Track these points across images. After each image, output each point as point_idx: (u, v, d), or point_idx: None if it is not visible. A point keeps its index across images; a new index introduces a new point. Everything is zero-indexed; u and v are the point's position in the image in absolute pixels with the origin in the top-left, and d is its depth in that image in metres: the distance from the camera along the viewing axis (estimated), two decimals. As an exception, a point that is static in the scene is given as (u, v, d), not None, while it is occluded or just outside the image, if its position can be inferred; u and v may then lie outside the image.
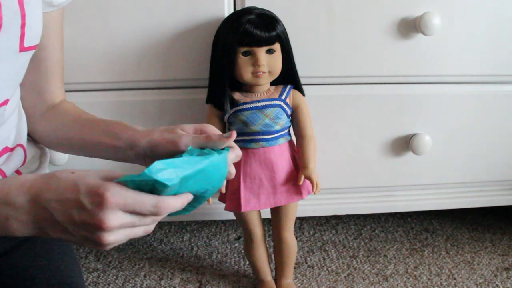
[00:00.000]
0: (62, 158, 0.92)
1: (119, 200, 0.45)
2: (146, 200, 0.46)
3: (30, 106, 0.72)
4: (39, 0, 0.62)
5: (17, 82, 0.64)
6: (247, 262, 1.06)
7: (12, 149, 0.67)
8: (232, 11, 0.89)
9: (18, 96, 0.68)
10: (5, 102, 0.61)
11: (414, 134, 0.98)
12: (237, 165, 0.88)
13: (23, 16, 0.57)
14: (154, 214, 0.47)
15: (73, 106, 0.75)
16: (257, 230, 0.94)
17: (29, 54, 0.62)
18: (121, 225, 0.46)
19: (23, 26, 0.58)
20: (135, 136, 0.63)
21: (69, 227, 0.47)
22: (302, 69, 0.90)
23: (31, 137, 0.74)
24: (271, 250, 1.05)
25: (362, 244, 1.15)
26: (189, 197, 0.50)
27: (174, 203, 0.48)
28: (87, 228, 0.46)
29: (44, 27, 0.65)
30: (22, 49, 0.59)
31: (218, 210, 1.01)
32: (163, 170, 0.46)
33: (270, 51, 0.83)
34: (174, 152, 0.58)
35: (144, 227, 0.49)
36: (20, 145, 0.68)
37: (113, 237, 0.46)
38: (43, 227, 0.48)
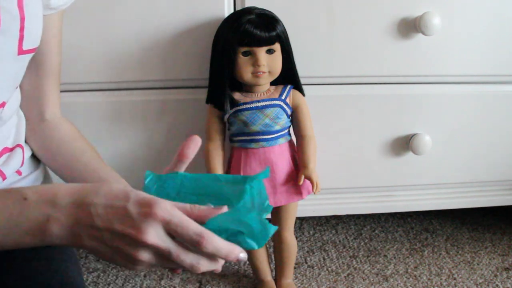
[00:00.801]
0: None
1: (165, 216, 0.44)
2: (191, 225, 0.45)
3: (26, 111, 0.72)
4: (39, 2, 0.62)
5: (14, 85, 0.64)
6: (247, 262, 1.06)
7: (11, 149, 0.67)
8: (232, 11, 0.89)
9: (18, 98, 0.68)
10: (2, 104, 0.61)
11: (414, 134, 0.98)
12: (237, 165, 0.88)
13: (22, 19, 0.57)
14: (195, 243, 0.45)
15: (71, 135, 0.74)
16: (257, 230, 0.94)
17: (28, 57, 0.62)
18: (157, 243, 0.44)
19: (22, 29, 0.58)
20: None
21: (105, 235, 0.45)
22: (302, 69, 0.90)
23: None
24: (271, 250, 1.05)
25: (362, 244, 1.15)
26: (237, 252, 0.47)
27: (220, 243, 0.46)
28: (124, 238, 0.44)
29: (42, 31, 0.65)
30: (21, 52, 0.59)
31: (218, 210, 1.01)
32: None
33: (270, 51, 0.83)
34: None
35: (176, 264, 0.46)
36: (19, 145, 0.68)
37: (146, 256, 0.45)
38: (79, 233, 0.46)
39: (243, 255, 0.47)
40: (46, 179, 0.76)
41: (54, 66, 0.72)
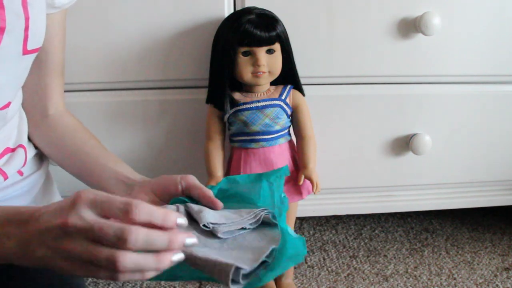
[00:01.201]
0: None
1: (89, 196, 0.43)
2: (117, 198, 0.43)
3: (30, 109, 0.72)
4: (43, 2, 0.62)
5: (19, 85, 0.64)
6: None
7: (13, 150, 0.67)
8: (232, 11, 0.89)
9: (20, 98, 0.68)
10: (8, 104, 0.61)
11: (414, 134, 0.98)
12: (237, 165, 0.88)
13: (26, 19, 0.57)
14: (124, 213, 0.42)
15: (73, 126, 0.74)
16: (257, 230, 0.94)
17: (32, 57, 0.62)
18: (78, 223, 0.42)
19: (26, 29, 0.58)
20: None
21: (46, 235, 0.44)
22: (302, 69, 0.90)
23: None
24: (271, 250, 1.05)
25: (362, 244, 1.15)
26: (174, 217, 0.44)
27: (152, 207, 0.43)
28: (55, 232, 0.43)
29: (46, 29, 0.65)
30: (26, 52, 0.59)
31: (218, 210, 1.01)
32: None
33: (270, 51, 0.83)
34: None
35: (103, 235, 0.42)
36: (21, 145, 0.69)
37: (74, 244, 0.42)
38: (29, 245, 0.45)
39: (181, 220, 0.45)
40: (47, 179, 0.76)
41: (58, 64, 0.72)
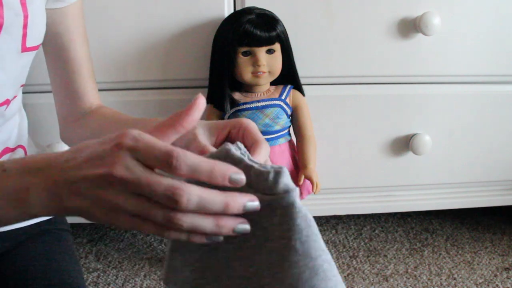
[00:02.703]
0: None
1: (131, 143, 0.38)
2: (157, 145, 0.38)
3: (66, 111, 0.70)
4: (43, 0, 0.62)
5: (18, 83, 0.64)
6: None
7: (13, 150, 0.67)
8: (232, 11, 0.89)
9: (20, 97, 0.68)
10: (6, 101, 0.61)
11: (414, 134, 0.98)
12: (237, 165, 0.88)
13: (25, 16, 0.57)
14: (165, 165, 0.37)
15: (111, 110, 0.70)
16: (257, 230, 0.94)
17: (31, 55, 0.62)
18: (125, 175, 0.38)
19: (25, 26, 0.58)
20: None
21: (82, 185, 0.39)
22: (302, 69, 0.90)
23: (64, 142, 0.73)
24: (271, 250, 1.05)
25: (362, 244, 1.15)
26: (229, 171, 0.38)
27: (198, 158, 0.38)
28: (97, 181, 0.38)
29: (60, 25, 0.64)
30: (24, 49, 0.59)
31: (218, 210, 1.01)
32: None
33: (270, 51, 0.83)
34: None
35: (151, 191, 0.38)
36: (21, 146, 0.68)
37: (120, 196, 0.38)
38: (58, 192, 0.40)
39: (236, 176, 0.38)
40: None
41: (82, 60, 0.69)
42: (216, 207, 0.38)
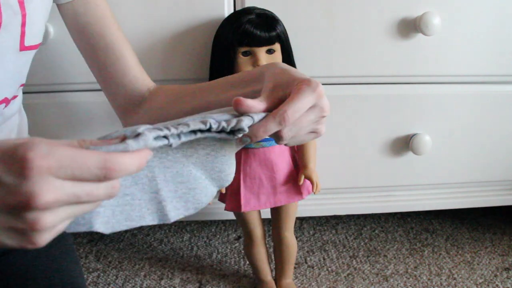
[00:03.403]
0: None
1: (50, 163, 0.31)
2: (89, 159, 0.33)
3: (122, 100, 0.68)
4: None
5: (18, 82, 0.64)
6: (247, 262, 1.06)
7: None
8: (232, 11, 0.89)
9: (20, 97, 0.68)
10: (5, 100, 0.61)
11: (414, 134, 0.98)
12: (237, 165, 0.88)
13: (23, 15, 0.57)
14: (103, 178, 0.34)
15: (173, 86, 0.68)
16: (257, 230, 0.94)
17: (30, 53, 0.62)
18: (59, 199, 0.32)
19: (23, 25, 0.58)
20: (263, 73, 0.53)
21: None
22: (302, 69, 0.90)
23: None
24: (271, 250, 1.05)
25: (362, 244, 1.15)
26: (148, 154, 0.38)
27: (129, 161, 0.35)
28: (12, 214, 0.32)
29: (85, 15, 0.63)
30: (23, 48, 0.59)
31: (218, 210, 1.01)
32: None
33: (270, 51, 0.83)
34: None
35: (93, 203, 0.35)
36: None
37: (51, 218, 0.32)
38: None
39: (149, 153, 0.38)
40: None
41: (121, 43, 0.67)
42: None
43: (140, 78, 0.69)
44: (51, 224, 0.33)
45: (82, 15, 0.64)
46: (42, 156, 0.31)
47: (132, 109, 0.69)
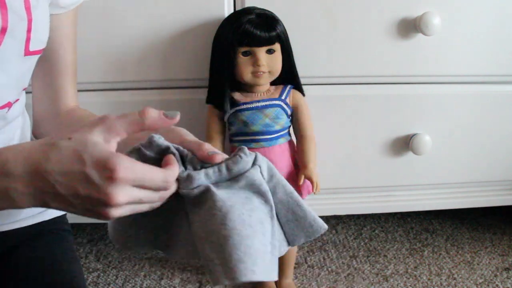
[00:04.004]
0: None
1: (129, 176, 0.43)
2: (155, 176, 0.45)
3: (42, 109, 0.72)
4: (46, 4, 0.62)
5: (21, 86, 0.64)
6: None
7: None
8: (232, 11, 0.89)
9: (23, 100, 0.68)
10: (8, 104, 0.61)
11: (414, 134, 0.98)
12: (237, 165, 0.88)
13: (29, 21, 0.57)
14: (163, 189, 0.46)
15: (87, 114, 0.73)
16: (257, 230, 0.94)
17: (34, 58, 0.62)
18: (129, 201, 0.44)
19: (29, 30, 0.58)
20: None
21: (72, 200, 0.44)
22: (302, 69, 0.90)
23: (36, 137, 0.74)
24: (271, 250, 1.05)
25: (362, 244, 1.15)
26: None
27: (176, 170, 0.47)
28: (92, 201, 0.44)
29: (53, 30, 0.65)
30: (28, 53, 0.59)
31: (218, 210, 1.01)
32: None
33: (270, 51, 0.83)
34: None
35: (150, 204, 0.47)
36: None
37: (119, 212, 0.44)
38: (44, 198, 0.45)
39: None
40: None
41: (69, 65, 0.71)
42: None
43: (69, 97, 0.73)
44: (117, 215, 0.45)
45: (52, 29, 0.65)
46: (126, 169, 0.43)
47: (47, 119, 0.72)
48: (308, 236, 0.53)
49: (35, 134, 0.74)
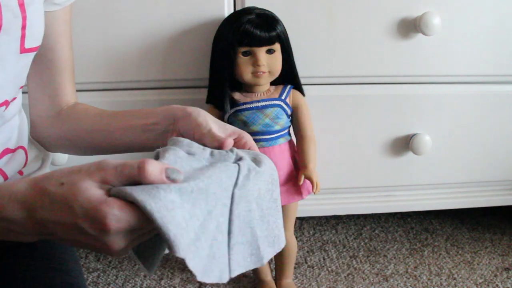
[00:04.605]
0: (62, 159, 0.92)
1: (121, 225, 0.42)
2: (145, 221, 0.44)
3: (41, 109, 0.71)
4: (41, 0, 0.62)
5: (18, 84, 0.64)
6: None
7: (13, 151, 0.67)
8: (232, 11, 0.89)
9: (20, 99, 0.68)
10: (5, 102, 0.61)
11: (414, 134, 0.98)
12: (237, 165, 0.88)
13: (24, 18, 0.57)
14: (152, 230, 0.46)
15: (90, 106, 0.73)
16: (257, 230, 0.94)
17: (30, 56, 0.62)
18: (128, 243, 0.44)
19: (24, 27, 0.58)
20: (173, 110, 0.62)
21: (76, 242, 0.45)
22: (302, 69, 0.90)
23: (34, 139, 0.74)
24: (271, 250, 1.05)
25: (362, 244, 1.15)
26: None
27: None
28: (95, 246, 0.44)
29: (49, 27, 0.65)
30: (23, 50, 0.59)
31: (218, 210, 1.01)
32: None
33: (270, 51, 0.83)
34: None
35: (142, 239, 0.47)
36: (21, 147, 0.68)
37: (124, 251, 0.45)
38: (49, 238, 0.46)
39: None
40: None
41: (66, 61, 0.71)
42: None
43: (68, 95, 0.72)
44: (124, 254, 0.46)
45: (47, 26, 0.65)
46: (117, 220, 0.42)
47: (46, 118, 0.72)
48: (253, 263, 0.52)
49: (34, 136, 0.74)
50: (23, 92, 0.68)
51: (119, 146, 0.70)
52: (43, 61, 0.67)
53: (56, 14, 0.67)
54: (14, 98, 0.64)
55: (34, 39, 0.61)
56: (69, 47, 0.72)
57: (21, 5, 0.57)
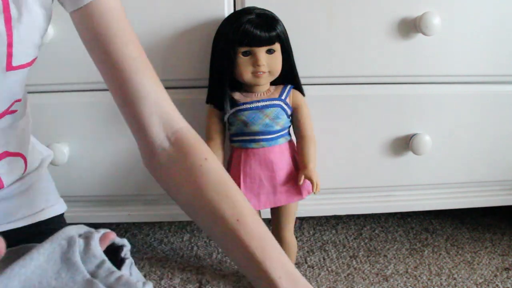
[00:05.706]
0: (62, 159, 0.92)
1: None
2: None
3: (142, 135, 0.63)
4: (38, 10, 0.59)
5: (8, 99, 0.62)
6: (247, 262, 1.06)
7: (12, 155, 0.67)
8: (232, 11, 0.89)
9: (21, 111, 0.67)
10: None
11: (414, 134, 0.98)
12: (237, 165, 0.88)
13: (9, 36, 0.55)
14: None
15: (219, 177, 0.60)
16: (257, 230, 0.94)
17: (20, 73, 0.60)
18: None
19: (9, 45, 0.56)
20: None
21: None
22: (302, 69, 0.90)
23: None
24: (271, 250, 1.05)
25: (362, 244, 1.15)
26: None
27: None
28: None
29: (94, 28, 0.59)
30: (10, 68, 0.58)
31: (218, 210, 1.01)
32: None
33: (270, 51, 0.83)
34: None
35: None
36: (21, 154, 0.68)
37: None
38: None
39: None
40: (45, 178, 0.75)
41: (138, 59, 0.62)
42: None
43: (165, 118, 0.60)
44: None
45: (91, 28, 0.60)
46: None
47: (148, 158, 0.63)
48: None
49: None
50: (28, 92, 0.66)
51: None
52: (115, 83, 0.60)
53: (91, 10, 0.58)
54: (6, 111, 0.63)
55: (24, 56, 0.58)
56: (132, 41, 0.60)
57: (7, 22, 0.55)
